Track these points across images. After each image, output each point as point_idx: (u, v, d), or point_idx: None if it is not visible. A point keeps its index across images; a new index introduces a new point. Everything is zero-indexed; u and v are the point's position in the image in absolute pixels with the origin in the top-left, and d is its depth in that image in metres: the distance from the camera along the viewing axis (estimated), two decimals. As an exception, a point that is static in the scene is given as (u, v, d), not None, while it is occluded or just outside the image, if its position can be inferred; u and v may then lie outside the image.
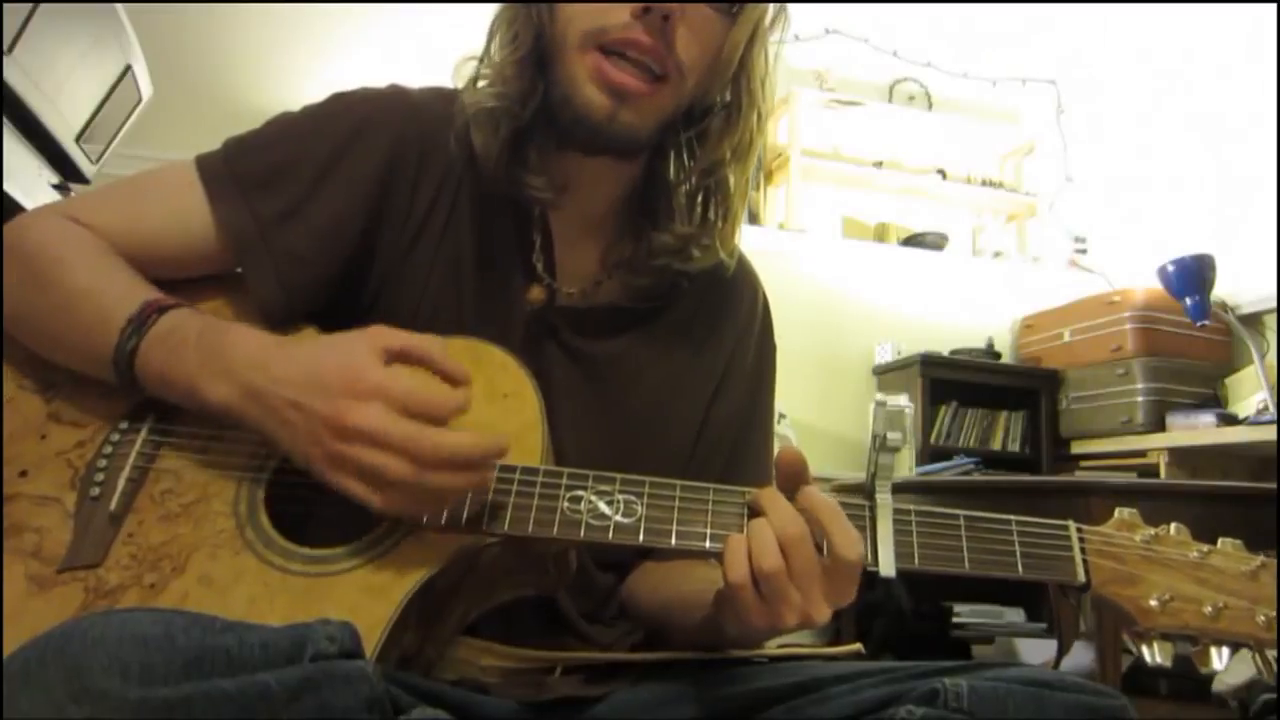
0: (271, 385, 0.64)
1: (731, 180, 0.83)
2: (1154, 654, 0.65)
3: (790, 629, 0.63)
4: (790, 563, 0.61)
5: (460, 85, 0.82)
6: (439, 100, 0.83)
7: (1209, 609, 0.64)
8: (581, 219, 0.85)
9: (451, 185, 0.82)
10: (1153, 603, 0.64)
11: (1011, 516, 0.67)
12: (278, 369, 0.65)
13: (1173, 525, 0.68)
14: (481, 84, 0.81)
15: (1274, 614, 0.64)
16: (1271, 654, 0.64)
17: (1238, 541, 0.67)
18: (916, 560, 0.65)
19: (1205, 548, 0.66)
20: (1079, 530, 0.67)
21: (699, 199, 0.84)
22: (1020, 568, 0.65)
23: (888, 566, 0.65)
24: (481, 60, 0.81)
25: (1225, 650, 0.64)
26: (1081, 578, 0.65)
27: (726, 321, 0.90)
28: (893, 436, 0.65)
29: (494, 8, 0.81)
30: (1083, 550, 0.66)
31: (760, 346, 0.93)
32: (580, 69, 0.74)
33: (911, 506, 0.67)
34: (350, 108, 0.81)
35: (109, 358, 0.69)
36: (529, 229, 0.83)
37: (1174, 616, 0.64)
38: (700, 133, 0.81)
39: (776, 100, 4.01)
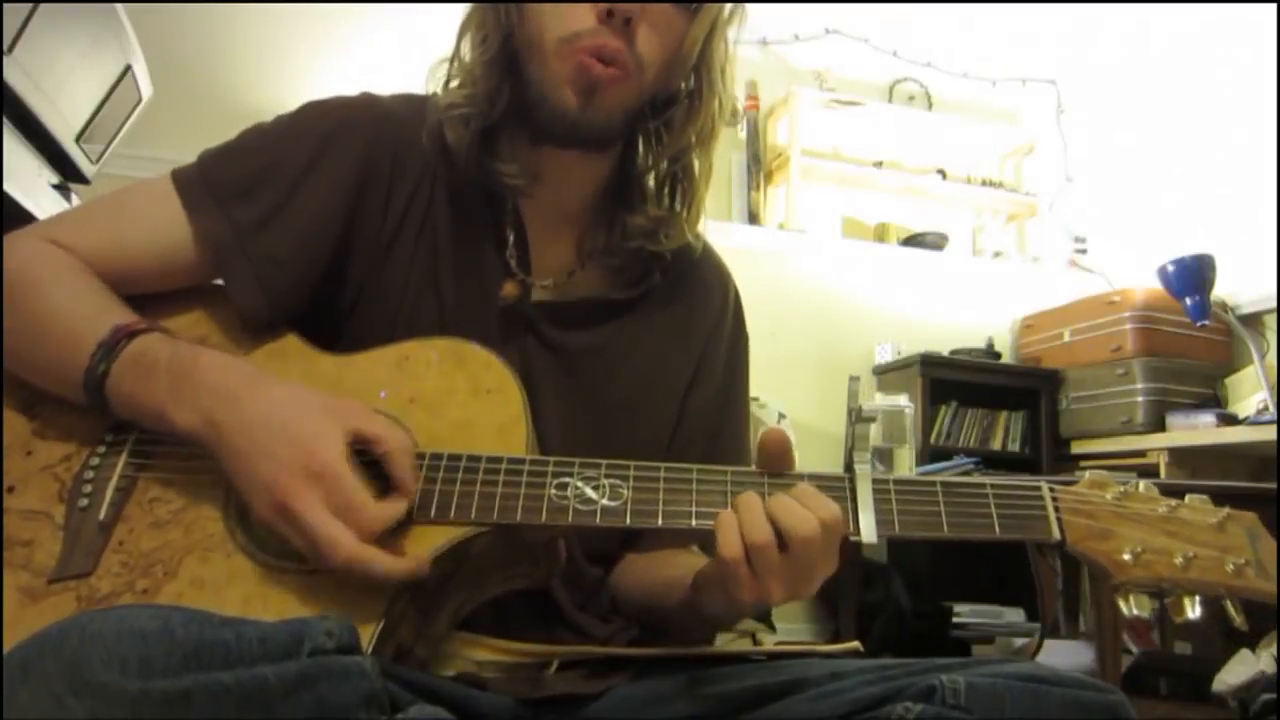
0: (235, 425, 0.65)
1: (696, 165, 0.86)
2: (1130, 606, 0.67)
3: (777, 603, 0.64)
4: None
5: (433, 89, 0.84)
6: (410, 106, 0.85)
7: (1180, 560, 0.66)
8: (555, 212, 0.86)
9: (426, 185, 0.83)
10: (1126, 556, 0.67)
11: (986, 480, 0.69)
12: (248, 408, 0.65)
13: (1141, 482, 0.70)
14: (452, 85, 0.83)
15: (1242, 561, 0.66)
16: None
17: (1204, 496, 0.70)
18: (897, 526, 0.67)
19: (1173, 502, 0.69)
20: (1052, 490, 0.69)
21: (667, 184, 0.87)
22: (997, 529, 0.67)
23: (869, 533, 0.66)
24: (452, 61, 0.84)
25: (1197, 600, 0.66)
26: (1056, 535, 0.67)
27: (699, 314, 0.92)
28: (868, 408, 0.67)
29: (467, 8, 0.83)
30: (1056, 509, 0.68)
31: (733, 337, 0.95)
32: (558, 72, 0.76)
33: (890, 476, 0.69)
34: (323, 114, 0.83)
35: (80, 381, 0.69)
36: (503, 225, 0.85)
37: (1147, 568, 0.66)
38: (666, 121, 0.84)
39: (777, 100, 4.03)
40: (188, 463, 0.70)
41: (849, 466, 0.69)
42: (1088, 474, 0.71)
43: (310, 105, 0.84)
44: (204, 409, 0.66)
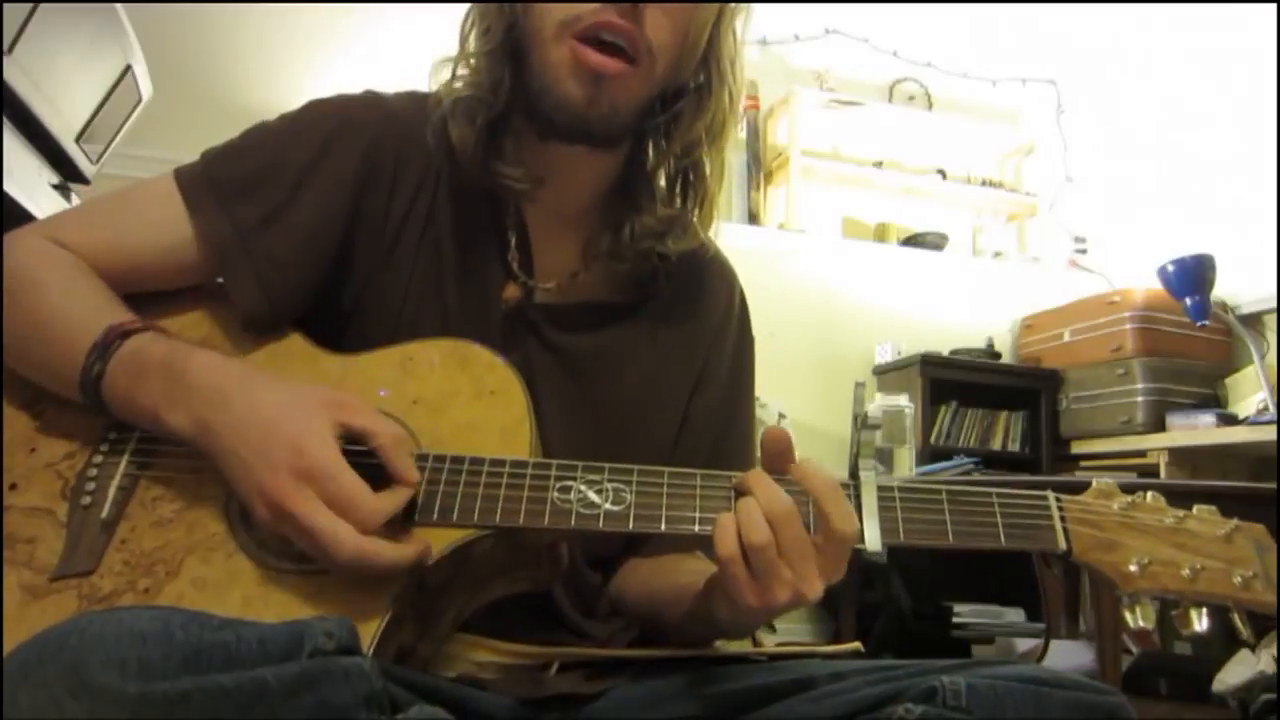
0: (226, 426, 0.64)
1: (707, 163, 0.84)
2: (1136, 618, 0.66)
3: (783, 607, 0.63)
4: (779, 539, 0.62)
5: (436, 87, 0.83)
6: (414, 104, 0.84)
7: (1187, 571, 0.65)
8: (560, 213, 0.85)
9: (430, 185, 0.83)
10: (1132, 567, 0.66)
11: (992, 489, 0.68)
12: (238, 408, 0.65)
13: (1148, 493, 0.69)
14: (456, 85, 0.82)
15: (1250, 574, 0.65)
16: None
17: (1211, 507, 0.68)
18: (902, 535, 0.66)
19: (1180, 513, 0.68)
20: (1058, 499, 0.68)
21: (678, 184, 0.85)
22: (1003, 538, 0.66)
23: (874, 542, 0.65)
24: (457, 57, 0.82)
25: (1204, 611, 0.65)
26: (1062, 545, 0.66)
27: (704, 316, 0.91)
28: (873, 414, 0.66)
29: (468, 5, 0.83)
30: (1062, 519, 0.67)
31: (738, 340, 0.94)
32: (558, 59, 0.75)
33: (895, 483, 0.68)
34: (326, 113, 0.82)
35: (76, 381, 0.69)
36: (506, 226, 0.84)
37: (1153, 580, 0.65)
38: (674, 115, 0.82)
39: (776, 100, 4.03)
40: (190, 461, 0.70)
41: (854, 473, 0.68)
42: (1094, 483, 0.69)
43: (313, 104, 0.83)
44: (195, 411, 0.65)
